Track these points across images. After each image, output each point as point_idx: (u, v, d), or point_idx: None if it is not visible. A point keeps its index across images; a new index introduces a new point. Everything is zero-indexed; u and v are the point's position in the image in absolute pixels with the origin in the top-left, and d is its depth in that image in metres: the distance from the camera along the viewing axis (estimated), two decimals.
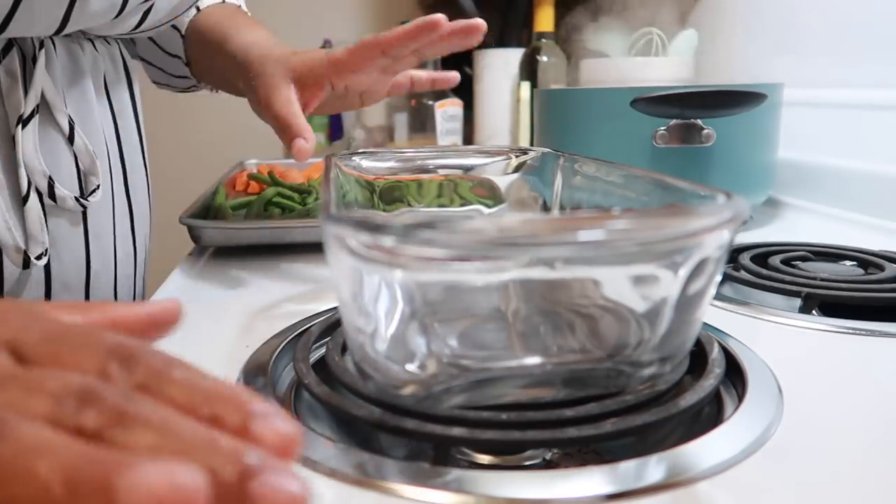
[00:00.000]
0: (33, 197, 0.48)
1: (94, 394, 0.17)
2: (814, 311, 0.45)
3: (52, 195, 0.49)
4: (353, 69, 0.54)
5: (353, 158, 0.49)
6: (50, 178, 0.49)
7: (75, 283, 0.54)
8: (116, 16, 0.48)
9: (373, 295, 0.28)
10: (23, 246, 0.47)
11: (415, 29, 0.51)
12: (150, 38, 0.65)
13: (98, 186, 0.52)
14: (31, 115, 0.47)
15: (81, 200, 0.51)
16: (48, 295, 0.53)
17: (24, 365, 0.19)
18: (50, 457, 0.15)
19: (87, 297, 0.56)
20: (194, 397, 0.18)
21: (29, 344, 0.20)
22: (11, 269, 0.49)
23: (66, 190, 0.50)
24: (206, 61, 0.65)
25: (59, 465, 0.15)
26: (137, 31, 0.54)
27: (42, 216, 0.49)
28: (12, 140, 0.47)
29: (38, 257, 0.49)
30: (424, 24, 0.50)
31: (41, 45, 0.48)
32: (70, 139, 0.50)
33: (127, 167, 0.59)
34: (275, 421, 0.17)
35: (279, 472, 0.16)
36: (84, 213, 0.53)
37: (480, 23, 0.51)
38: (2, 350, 0.20)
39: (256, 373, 0.35)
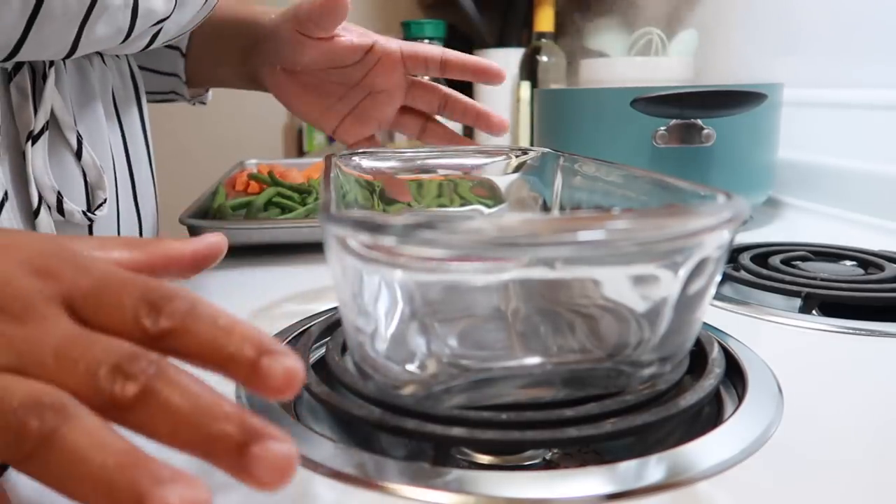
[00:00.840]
0: (44, 212, 0.48)
1: (131, 365, 0.20)
2: (814, 311, 0.45)
3: (60, 210, 0.49)
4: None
5: (353, 158, 0.49)
6: (59, 192, 0.49)
7: None
8: (123, 41, 0.48)
9: (373, 295, 0.28)
10: None
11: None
12: None
13: (105, 200, 0.52)
14: (42, 132, 0.47)
15: (88, 214, 0.51)
16: None
17: (76, 317, 0.23)
18: (106, 453, 0.19)
19: None
20: (217, 338, 0.21)
21: (79, 299, 0.23)
22: None
23: (74, 204, 0.50)
24: (209, 42, 0.65)
25: (112, 463, 0.18)
26: (147, 49, 0.54)
27: (53, 230, 0.49)
28: (23, 156, 0.47)
29: None
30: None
31: (51, 62, 0.48)
32: (78, 154, 0.51)
33: (135, 179, 0.59)
34: (282, 358, 0.21)
35: (274, 439, 0.20)
36: (90, 227, 0.53)
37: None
38: (60, 306, 0.23)
39: None
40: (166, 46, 0.65)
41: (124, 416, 0.20)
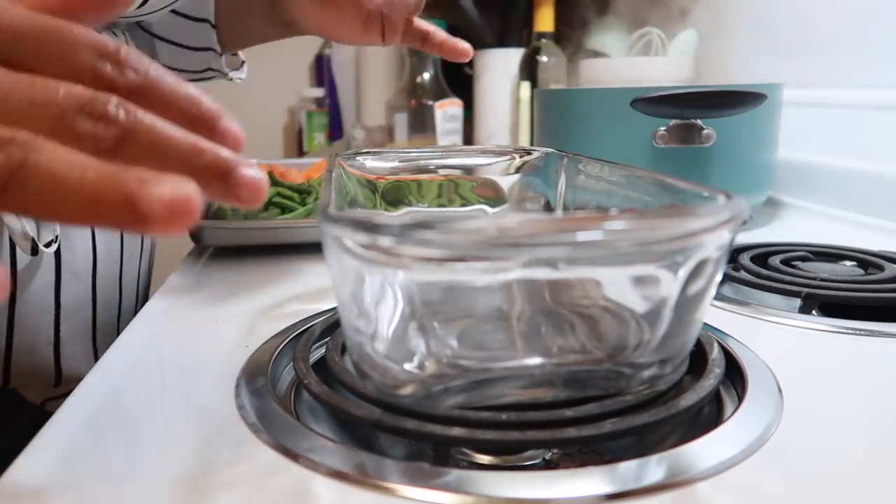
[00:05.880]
0: None
1: (102, 109, 0.20)
2: (814, 311, 0.45)
3: None
4: None
5: (357, 158, 0.49)
6: None
7: (83, 272, 0.55)
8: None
9: (371, 295, 0.28)
10: (31, 233, 0.48)
11: None
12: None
13: None
14: None
15: None
16: (58, 281, 0.54)
17: (12, 68, 0.20)
18: (84, 168, 0.19)
19: (94, 286, 0.57)
20: (183, 95, 0.22)
21: (9, 46, 0.21)
22: (22, 255, 0.50)
23: None
24: (240, 7, 0.64)
25: (92, 176, 0.19)
26: (141, 11, 0.53)
27: (33, 226, 0.49)
28: None
29: (48, 244, 0.49)
30: None
31: None
32: None
33: None
34: (228, 124, 0.23)
35: (248, 166, 0.22)
36: None
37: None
38: None
39: (256, 373, 0.35)
40: (195, 19, 0.64)
41: (106, 158, 0.20)
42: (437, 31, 0.62)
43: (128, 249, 0.60)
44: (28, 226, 0.48)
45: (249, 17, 0.65)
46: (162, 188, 0.19)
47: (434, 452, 0.29)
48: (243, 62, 0.73)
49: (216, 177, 0.21)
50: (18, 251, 0.49)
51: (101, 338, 0.60)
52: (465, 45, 0.60)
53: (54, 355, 0.56)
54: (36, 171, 0.19)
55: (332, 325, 0.38)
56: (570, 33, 1.20)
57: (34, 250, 0.48)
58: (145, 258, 0.65)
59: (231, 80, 0.73)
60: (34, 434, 0.29)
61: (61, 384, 0.56)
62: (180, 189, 0.19)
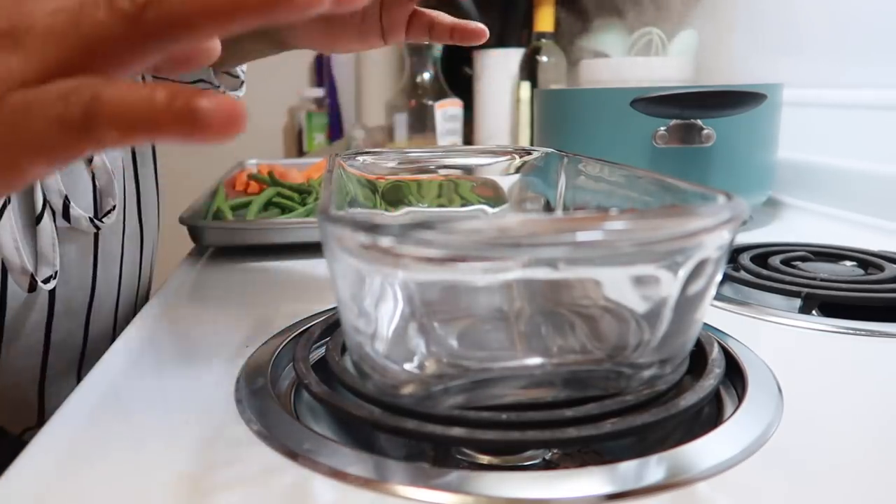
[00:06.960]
0: (47, 217, 0.47)
1: None
2: (814, 312, 0.45)
3: (66, 215, 0.48)
4: None
5: (357, 158, 0.49)
6: (66, 196, 0.47)
7: (79, 307, 0.53)
8: None
9: (371, 295, 0.28)
10: (30, 268, 0.46)
11: None
12: None
13: (114, 207, 0.51)
14: None
15: (96, 221, 0.50)
16: (50, 317, 0.52)
17: None
18: (150, 91, 0.20)
19: (87, 320, 0.55)
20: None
21: None
22: (15, 293, 0.48)
23: (81, 210, 0.49)
24: None
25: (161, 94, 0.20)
26: None
27: (55, 237, 0.48)
28: None
29: (46, 280, 0.47)
30: None
31: None
32: (88, 158, 0.50)
33: (141, 191, 0.58)
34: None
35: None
36: (96, 237, 0.52)
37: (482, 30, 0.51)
38: None
39: (256, 373, 0.35)
40: None
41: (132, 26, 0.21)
42: (442, 17, 0.56)
43: (125, 280, 0.59)
44: (27, 261, 0.46)
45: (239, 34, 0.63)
46: (212, 99, 0.20)
47: (434, 452, 0.29)
48: (242, 82, 0.73)
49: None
50: (10, 288, 0.47)
51: (86, 373, 0.58)
52: (477, 25, 0.54)
53: (38, 392, 0.53)
54: (108, 107, 0.20)
55: (332, 325, 0.38)
56: (570, 33, 1.20)
57: (32, 287, 0.47)
58: (143, 288, 0.63)
59: (224, 93, 0.72)
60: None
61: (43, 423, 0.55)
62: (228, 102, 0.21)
